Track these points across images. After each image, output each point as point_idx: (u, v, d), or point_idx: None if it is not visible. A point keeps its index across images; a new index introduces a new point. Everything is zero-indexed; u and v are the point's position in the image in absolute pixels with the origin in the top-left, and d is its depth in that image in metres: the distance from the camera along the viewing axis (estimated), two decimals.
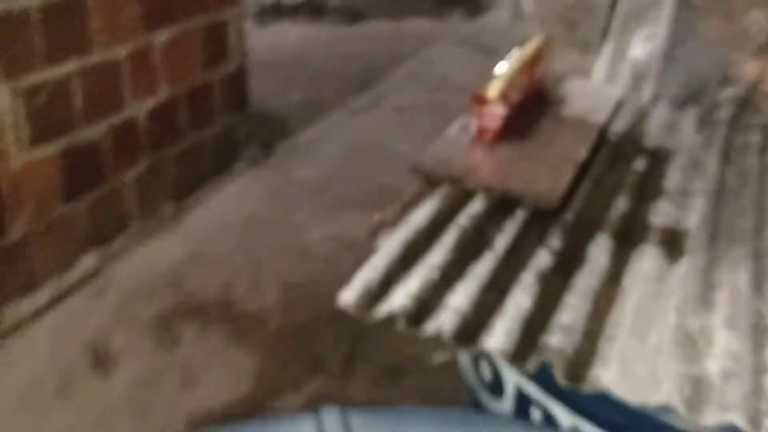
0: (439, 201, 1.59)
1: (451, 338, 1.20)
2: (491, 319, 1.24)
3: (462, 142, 1.81)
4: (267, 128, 3.51)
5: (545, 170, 1.68)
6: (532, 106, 1.98)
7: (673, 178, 1.78)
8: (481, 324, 1.23)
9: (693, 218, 1.60)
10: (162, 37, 2.68)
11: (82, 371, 2.09)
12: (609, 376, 1.14)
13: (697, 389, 1.13)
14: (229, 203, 2.93)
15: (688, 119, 2.17)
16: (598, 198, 1.66)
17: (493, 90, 1.77)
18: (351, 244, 2.80)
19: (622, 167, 1.83)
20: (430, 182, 1.67)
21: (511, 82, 1.82)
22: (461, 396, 2.07)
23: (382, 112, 4.00)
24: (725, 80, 2.31)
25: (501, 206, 1.59)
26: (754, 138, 2.06)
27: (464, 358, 1.69)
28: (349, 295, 1.29)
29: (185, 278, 2.49)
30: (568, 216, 1.58)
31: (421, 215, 1.53)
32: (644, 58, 2.32)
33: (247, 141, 3.32)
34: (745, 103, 2.30)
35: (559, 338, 1.20)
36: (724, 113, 2.24)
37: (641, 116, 2.17)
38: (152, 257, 2.59)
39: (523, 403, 1.44)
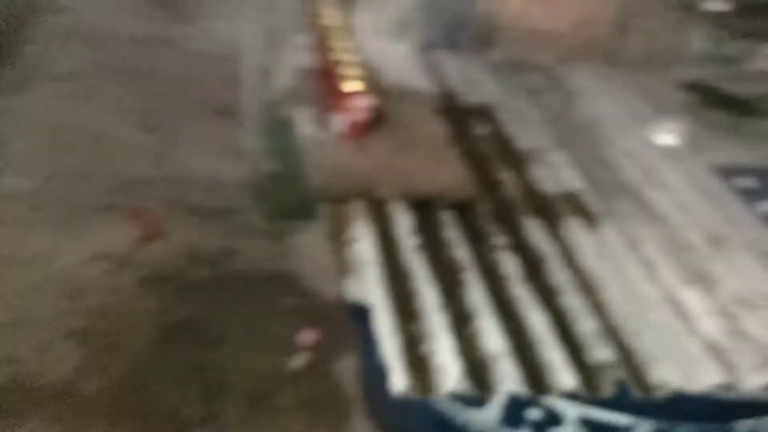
0: (366, 224, 1.41)
1: (529, 392, 1.12)
2: (537, 352, 1.18)
3: (332, 143, 1.60)
4: None
5: (432, 159, 1.59)
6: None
7: (517, 137, 1.83)
8: (535, 363, 1.16)
9: (569, 178, 1.68)
10: None
11: None
12: (668, 375, 1.18)
13: (727, 357, 1.24)
14: None
15: (474, 66, 2.23)
16: (483, 175, 1.64)
17: (355, 80, 1.59)
18: (121, 260, 2.36)
19: (468, 132, 1.82)
20: (337, 200, 1.47)
21: (361, 63, 1.65)
22: (341, 401, 1.96)
23: (49, 85, 3.32)
24: (473, 19, 2.41)
25: (419, 206, 1.48)
26: (536, 80, 2.21)
27: None
28: (400, 383, 1.10)
29: None
30: (482, 203, 1.54)
31: (366, 249, 1.34)
32: (405, 7, 2.29)
33: None
34: (488, 41, 2.44)
35: (602, 351, 1.19)
36: (492, 53, 2.36)
37: (436, 69, 2.16)
38: None
39: (515, 407, 1.42)
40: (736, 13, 2.44)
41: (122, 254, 2.37)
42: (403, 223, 1.42)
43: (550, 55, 2.42)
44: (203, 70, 3.67)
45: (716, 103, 2.20)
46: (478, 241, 1.42)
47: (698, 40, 2.46)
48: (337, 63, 1.65)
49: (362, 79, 1.59)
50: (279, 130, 2.42)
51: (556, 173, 1.70)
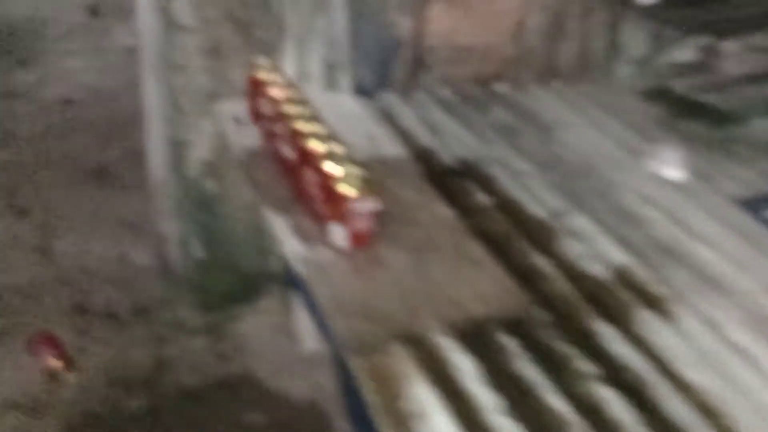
0: (423, 383, 1.05)
1: None
2: None
3: (335, 265, 1.22)
4: None
5: (458, 261, 1.26)
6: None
7: (523, 201, 1.54)
8: None
9: (606, 248, 1.41)
10: None
11: None
12: None
13: None
14: None
15: (428, 108, 1.91)
16: (516, 267, 1.33)
17: (351, 180, 1.21)
18: (36, 406, 1.86)
19: (472, 206, 1.51)
20: (370, 350, 1.10)
21: (348, 153, 1.28)
22: None
23: None
24: (402, 45, 2.08)
25: (471, 336, 1.15)
26: (500, 114, 1.92)
27: None
28: None
29: None
30: (535, 312, 1.23)
31: (442, 428, 1.00)
32: (332, 49, 1.93)
33: None
34: (421, 66, 2.13)
35: None
36: (440, 91, 2.04)
37: (393, 121, 1.82)
38: None
39: None
40: (668, 4, 2.25)
41: (35, 397, 1.87)
42: (467, 370, 1.08)
43: (487, 71, 2.15)
44: (65, 122, 3.11)
45: (687, 114, 2.01)
46: (560, 373, 1.10)
47: (638, 39, 2.27)
48: (318, 155, 1.26)
49: (361, 177, 1.22)
50: (202, 209, 1.99)
51: (589, 245, 1.41)
